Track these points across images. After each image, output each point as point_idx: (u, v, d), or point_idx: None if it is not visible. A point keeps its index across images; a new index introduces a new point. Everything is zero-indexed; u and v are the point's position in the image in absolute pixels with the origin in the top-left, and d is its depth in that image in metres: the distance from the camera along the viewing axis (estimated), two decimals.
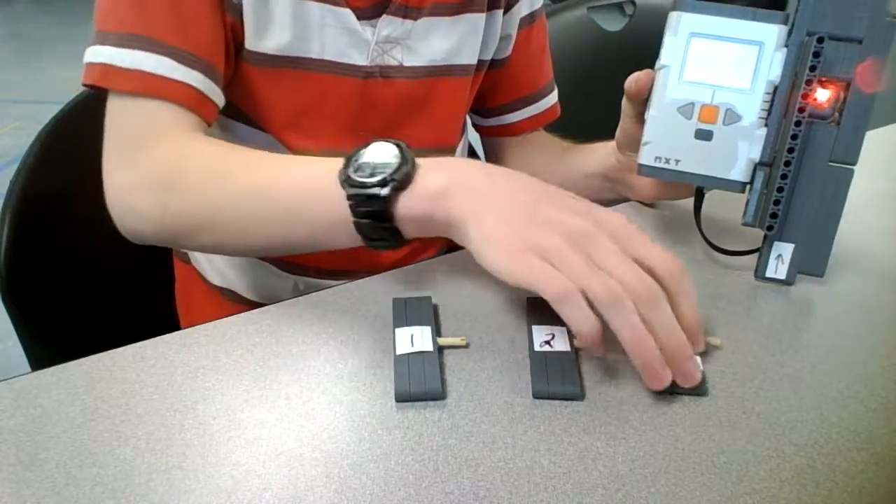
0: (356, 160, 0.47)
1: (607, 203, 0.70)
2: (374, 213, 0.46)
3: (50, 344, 0.72)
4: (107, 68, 0.54)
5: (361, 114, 0.65)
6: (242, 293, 0.73)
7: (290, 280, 0.71)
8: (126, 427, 0.41)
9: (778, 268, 0.55)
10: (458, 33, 0.67)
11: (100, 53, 0.54)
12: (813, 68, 0.50)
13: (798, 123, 0.51)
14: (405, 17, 0.63)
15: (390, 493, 0.37)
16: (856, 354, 0.48)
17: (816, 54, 0.50)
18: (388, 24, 0.63)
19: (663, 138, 0.55)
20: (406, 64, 0.65)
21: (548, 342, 0.47)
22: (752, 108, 0.53)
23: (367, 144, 0.48)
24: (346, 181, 0.46)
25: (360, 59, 0.63)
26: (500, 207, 0.45)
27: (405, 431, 0.41)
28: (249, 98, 0.63)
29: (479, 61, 0.72)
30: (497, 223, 0.44)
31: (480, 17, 0.69)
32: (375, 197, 0.45)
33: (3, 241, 0.69)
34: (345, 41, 0.62)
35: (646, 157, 0.56)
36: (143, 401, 0.43)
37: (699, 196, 0.59)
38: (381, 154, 0.47)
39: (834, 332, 0.50)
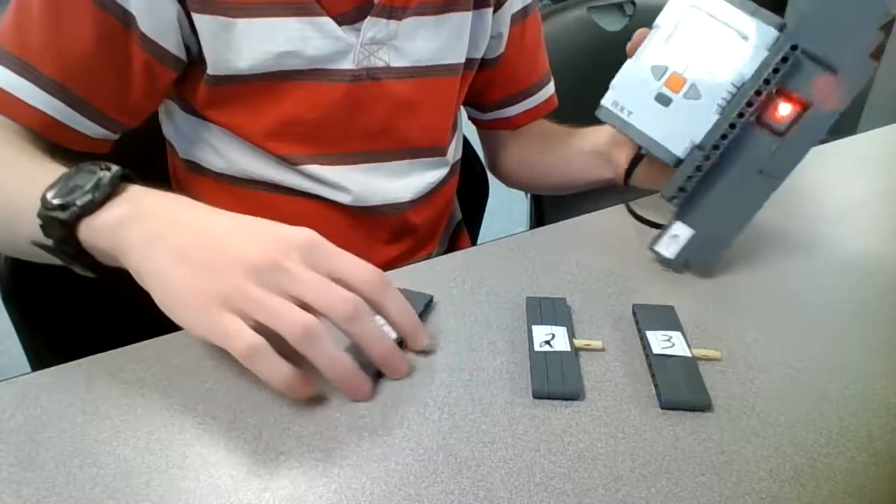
0: (66, 177, 0.45)
1: (603, 185, 0.71)
2: (59, 237, 0.44)
3: (50, 344, 0.72)
4: None
5: (352, 117, 0.65)
6: None
7: None
8: (126, 427, 0.41)
9: (670, 246, 0.56)
10: (444, 32, 0.67)
11: None
12: (776, 70, 0.51)
13: (741, 115, 0.52)
14: (390, 17, 0.63)
15: (390, 493, 0.37)
16: (856, 354, 0.48)
17: (785, 59, 0.50)
18: (373, 26, 0.62)
19: (628, 88, 0.57)
20: (393, 65, 0.65)
21: (548, 342, 0.47)
22: (715, 92, 0.54)
23: (83, 164, 0.46)
24: (42, 199, 0.44)
25: (346, 64, 0.63)
26: (180, 248, 0.42)
27: (405, 431, 0.41)
28: (228, 117, 0.63)
29: (469, 60, 0.72)
30: (179, 275, 0.41)
31: (466, 16, 0.68)
32: (57, 221, 0.43)
33: None
34: (329, 49, 0.61)
35: (607, 99, 0.58)
36: (143, 401, 0.43)
37: (637, 157, 0.60)
38: (87, 176, 0.45)
39: (834, 332, 0.50)
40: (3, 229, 0.52)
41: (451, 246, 0.86)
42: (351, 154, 0.67)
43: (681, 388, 0.43)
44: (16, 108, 0.55)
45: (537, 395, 0.43)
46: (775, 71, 0.50)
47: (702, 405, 0.43)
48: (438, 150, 0.73)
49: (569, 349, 0.46)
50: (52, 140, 0.57)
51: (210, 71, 0.60)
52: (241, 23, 0.58)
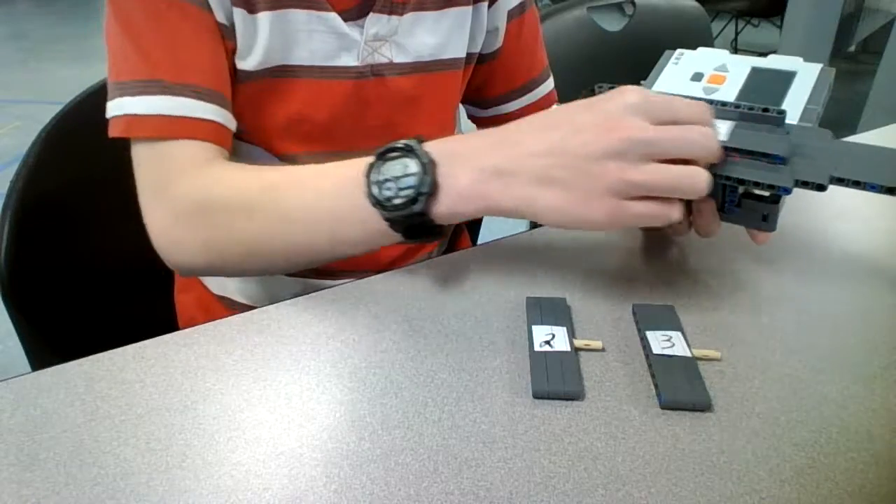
0: (377, 176, 0.48)
1: None
2: (414, 226, 0.49)
3: (50, 344, 0.72)
4: (128, 119, 0.55)
5: (357, 115, 0.65)
6: (242, 300, 0.73)
7: (290, 284, 0.71)
8: (126, 427, 0.41)
9: None
10: (445, 27, 0.67)
11: (118, 106, 0.55)
12: (751, 108, 0.50)
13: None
14: (391, 13, 0.63)
15: (390, 493, 0.37)
16: (856, 354, 0.48)
17: (766, 109, 0.49)
18: (376, 23, 0.63)
19: (697, 59, 0.58)
20: (396, 61, 0.65)
21: (548, 342, 0.47)
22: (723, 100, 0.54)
23: (382, 153, 0.49)
24: (378, 205, 0.48)
25: (350, 61, 0.63)
26: (541, 175, 0.45)
27: (405, 431, 0.41)
28: (237, 116, 0.63)
29: (468, 54, 0.72)
30: (559, 199, 0.45)
31: (467, 11, 0.69)
32: (411, 214, 0.47)
33: (3, 241, 0.69)
34: (334, 45, 0.61)
35: (680, 50, 0.59)
36: (143, 401, 0.43)
37: None
38: (400, 166, 0.48)
39: (834, 332, 0.50)
40: (317, 250, 0.53)
41: (451, 246, 0.86)
42: (356, 153, 0.67)
43: (681, 388, 0.43)
44: (187, 126, 0.55)
45: (537, 395, 0.43)
46: (750, 109, 0.50)
47: (702, 405, 0.43)
48: None
49: (569, 349, 0.46)
50: (220, 146, 0.58)
51: (239, 66, 0.60)
52: (259, 15, 0.58)
